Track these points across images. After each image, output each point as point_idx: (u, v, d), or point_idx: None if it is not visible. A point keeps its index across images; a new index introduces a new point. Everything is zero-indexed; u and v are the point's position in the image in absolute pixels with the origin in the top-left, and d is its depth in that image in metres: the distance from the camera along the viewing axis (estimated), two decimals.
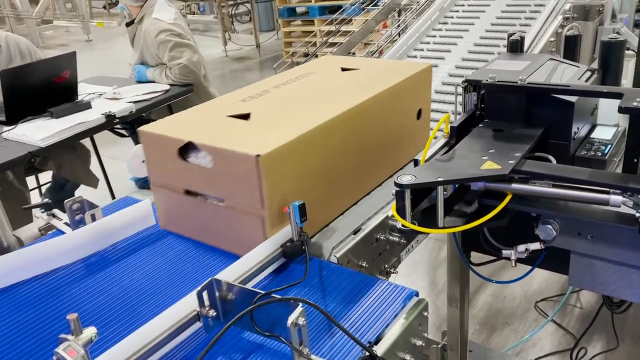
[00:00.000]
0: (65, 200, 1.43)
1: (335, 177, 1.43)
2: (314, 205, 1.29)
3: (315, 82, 1.71)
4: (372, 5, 4.26)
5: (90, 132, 2.75)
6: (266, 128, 1.36)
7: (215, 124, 1.42)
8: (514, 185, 1.18)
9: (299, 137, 1.29)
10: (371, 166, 1.56)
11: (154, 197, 1.50)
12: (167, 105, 3.15)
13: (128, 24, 3.44)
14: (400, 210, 1.19)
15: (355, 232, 1.39)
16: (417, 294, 1.16)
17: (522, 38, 1.71)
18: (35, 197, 3.32)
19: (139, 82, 3.34)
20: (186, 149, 1.33)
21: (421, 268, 3.03)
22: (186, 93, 3.19)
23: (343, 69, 1.78)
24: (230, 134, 1.35)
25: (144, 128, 1.41)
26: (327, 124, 1.36)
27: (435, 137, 1.37)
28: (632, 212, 1.10)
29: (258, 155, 1.19)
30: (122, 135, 3.50)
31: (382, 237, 1.42)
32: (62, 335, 0.86)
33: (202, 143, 1.29)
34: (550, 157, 1.30)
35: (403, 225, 1.19)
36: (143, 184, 3.79)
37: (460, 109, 1.59)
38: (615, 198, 1.09)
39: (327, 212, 1.44)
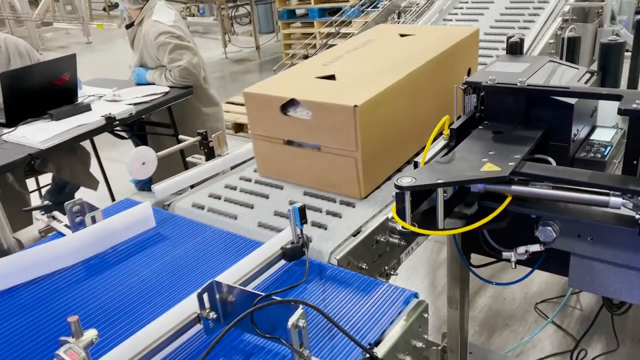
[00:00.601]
0: (66, 203, 1.43)
1: (404, 129, 1.66)
2: (386, 152, 1.58)
3: (380, 47, 1.94)
4: (372, 8, 4.27)
5: (90, 134, 2.76)
6: (352, 85, 1.59)
7: (308, 84, 1.64)
8: (514, 187, 1.19)
9: (383, 91, 1.52)
10: (426, 124, 1.66)
11: (253, 150, 1.74)
12: (167, 107, 3.16)
13: (128, 26, 3.44)
14: (400, 212, 1.19)
15: (355, 234, 1.40)
16: (417, 296, 1.16)
17: (522, 40, 1.71)
18: (35, 199, 3.32)
19: (139, 84, 3.34)
20: (287, 105, 1.55)
21: (421, 270, 3.03)
22: (186, 95, 3.19)
23: (401, 35, 2.02)
24: (323, 91, 1.58)
25: (247, 89, 1.64)
26: (402, 80, 1.60)
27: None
28: (632, 214, 1.10)
29: (355, 106, 1.42)
30: (122, 138, 3.51)
31: (382, 239, 1.42)
32: (63, 338, 0.86)
33: (304, 99, 1.52)
34: (550, 159, 1.30)
35: (403, 227, 1.20)
36: (143, 186, 3.79)
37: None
38: (615, 200, 1.09)
39: (393, 162, 1.67)
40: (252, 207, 1.57)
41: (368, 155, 1.50)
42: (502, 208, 1.19)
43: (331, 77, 1.66)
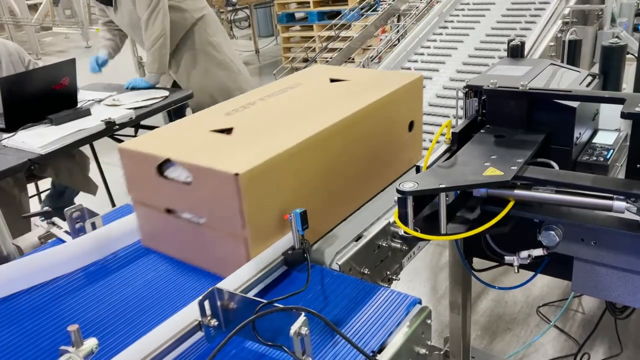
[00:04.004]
0: (66, 209, 1.42)
1: (322, 191, 1.37)
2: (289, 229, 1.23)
3: (302, 94, 1.65)
4: (371, 11, 4.27)
5: (90, 139, 2.75)
6: (249, 143, 1.30)
7: (196, 139, 1.36)
8: (517, 192, 1.18)
9: (282, 152, 1.23)
10: (360, 181, 1.50)
11: (136, 216, 1.44)
12: (167, 111, 3.15)
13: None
14: (403, 217, 1.18)
15: (357, 239, 1.39)
16: (420, 302, 1.15)
17: (523, 43, 1.71)
18: (34, 204, 3.31)
19: (134, 88, 3.31)
20: (165, 166, 1.28)
21: (422, 274, 3.02)
22: (186, 99, 3.19)
23: (332, 80, 1.72)
24: (211, 150, 1.30)
25: (122, 145, 1.35)
26: (313, 137, 1.31)
27: (437, 142, 1.37)
28: (636, 217, 1.10)
29: (237, 174, 1.13)
30: (122, 142, 3.50)
31: (384, 244, 1.42)
32: (63, 347, 0.86)
33: (180, 160, 1.23)
34: (553, 163, 1.30)
35: (405, 233, 1.19)
36: None
37: (461, 113, 1.59)
38: (619, 204, 1.08)
39: (319, 225, 1.37)
40: None
41: (260, 236, 1.21)
42: (505, 212, 1.18)
43: (228, 131, 1.39)
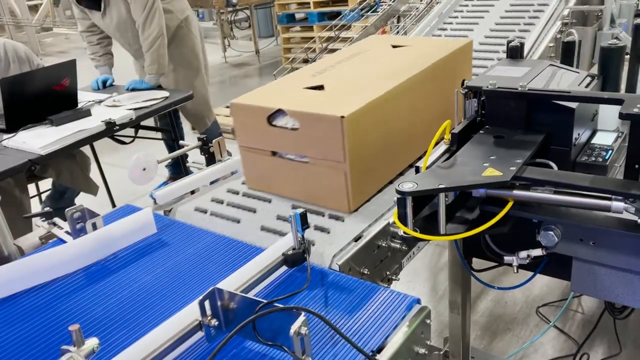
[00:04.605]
0: (66, 209, 1.42)
1: (396, 140, 1.62)
2: (376, 164, 1.55)
3: (371, 58, 1.91)
4: (371, 12, 4.28)
5: (90, 140, 2.75)
6: (342, 95, 1.57)
7: (296, 95, 1.62)
8: (516, 192, 1.18)
9: (372, 101, 1.49)
10: (421, 134, 1.67)
11: (241, 161, 1.71)
12: (167, 112, 3.15)
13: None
14: (402, 218, 1.19)
15: (357, 239, 1.39)
16: (419, 302, 1.16)
17: (522, 44, 1.71)
18: (35, 205, 3.32)
19: (134, 89, 3.31)
20: (274, 116, 1.53)
21: (422, 274, 3.02)
22: (186, 99, 3.19)
23: (394, 46, 1.99)
24: (312, 101, 1.56)
25: (234, 101, 1.63)
26: (394, 89, 1.58)
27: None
28: (634, 218, 1.10)
29: (342, 117, 1.39)
30: (122, 143, 3.50)
31: (383, 244, 1.42)
32: (64, 347, 0.86)
33: (291, 109, 1.50)
34: (551, 164, 1.30)
35: (405, 233, 1.19)
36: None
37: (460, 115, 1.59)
38: (618, 204, 1.09)
39: (384, 174, 1.63)
40: (238, 222, 1.55)
41: (357, 167, 1.46)
42: (504, 213, 1.19)
43: (320, 88, 1.64)
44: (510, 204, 1.19)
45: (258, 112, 1.55)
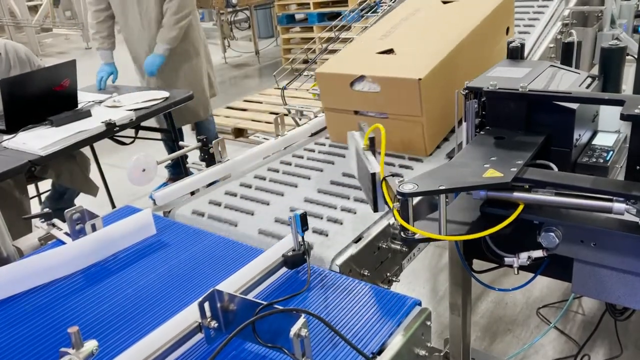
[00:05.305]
0: (66, 210, 1.42)
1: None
2: (443, 114, 1.78)
3: (427, 16, 2.13)
4: (371, 12, 4.27)
5: (90, 141, 2.75)
6: (411, 58, 1.82)
7: (372, 60, 1.87)
8: (516, 195, 1.18)
9: (440, 62, 1.76)
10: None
11: (326, 120, 2.06)
12: (167, 112, 3.15)
13: None
14: (405, 219, 1.18)
15: (357, 240, 1.39)
16: (419, 303, 1.15)
17: (522, 45, 1.71)
18: (35, 206, 3.31)
19: (152, 74, 3.37)
20: (355, 81, 1.82)
21: (422, 275, 3.02)
22: (186, 100, 3.19)
23: (444, 2, 2.21)
24: (387, 65, 1.83)
25: (319, 70, 1.92)
26: (455, 48, 1.84)
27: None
28: (635, 219, 1.10)
29: (419, 79, 1.67)
30: (122, 143, 3.50)
31: (384, 246, 1.42)
32: (63, 349, 0.86)
33: (372, 75, 1.79)
34: (552, 165, 1.30)
35: (405, 232, 1.18)
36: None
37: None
38: (619, 206, 1.09)
39: (449, 122, 1.87)
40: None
41: (430, 118, 1.72)
42: (515, 216, 1.17)
43: (390, 51, 1.90)
44: (520, 208, 1.18)
45: (341, 79, 1.85)
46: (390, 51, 1.89)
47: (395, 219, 1.20)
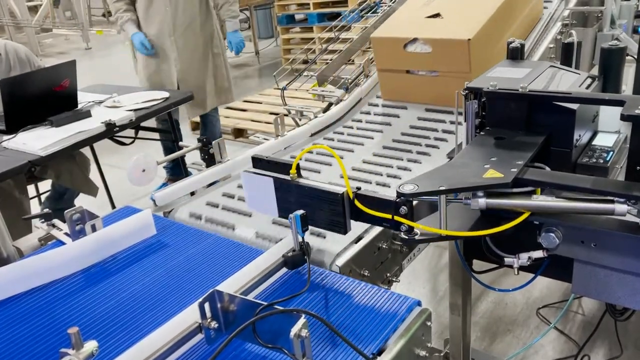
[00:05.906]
0: (66, 211, 1.42)
1: (499, 48, 1.93)
2: (489, 68, 1.75)
3: None
4: (371, 13, 4.27)
5: (90, 141, 2.74)
6: (459, 21, 2.06)
7: (422, 24, 2.10)
8: (516, 202, 1.17)
9: (485, 22, 2.01)
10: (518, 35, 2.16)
11: (379, 80, 2.29)
12: (167, 112, 3.15)
13: None
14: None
15: (357, 240, 1.39)
16: (420, 304, 1.15)
17: (522, 45, 1.70)
18: (34, 206, 3.31)
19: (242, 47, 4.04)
20: (409, 43, 2.06)
21: (422, 275, 3.02)
22: (186, 100, 3.19)
23: None
24: (438, 28, 2.06)
25: (375, 34, 2.21)
26: (497, 10, 2.08)
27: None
28: (636, 220, 1.10)
29: (469, 39, 1.93)
30: (122, 144, 3.50)
31: (384, 246, 1.42)
32: (63, 350, 0.86)
33: (424, 37, 2.03)
34: (547, 168, 1.29)
35: (408, 231, 1.18)
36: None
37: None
38: (621, 207, 1.08)
39: None
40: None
41: (478, 74, 1.73)
42: (521, 220, 1.17)
43: (438, 15, 2.13)
44: (526, 214, 1.18)
45: (395, 42, 2.09)
46: (437, 15, 2.11)
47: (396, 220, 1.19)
